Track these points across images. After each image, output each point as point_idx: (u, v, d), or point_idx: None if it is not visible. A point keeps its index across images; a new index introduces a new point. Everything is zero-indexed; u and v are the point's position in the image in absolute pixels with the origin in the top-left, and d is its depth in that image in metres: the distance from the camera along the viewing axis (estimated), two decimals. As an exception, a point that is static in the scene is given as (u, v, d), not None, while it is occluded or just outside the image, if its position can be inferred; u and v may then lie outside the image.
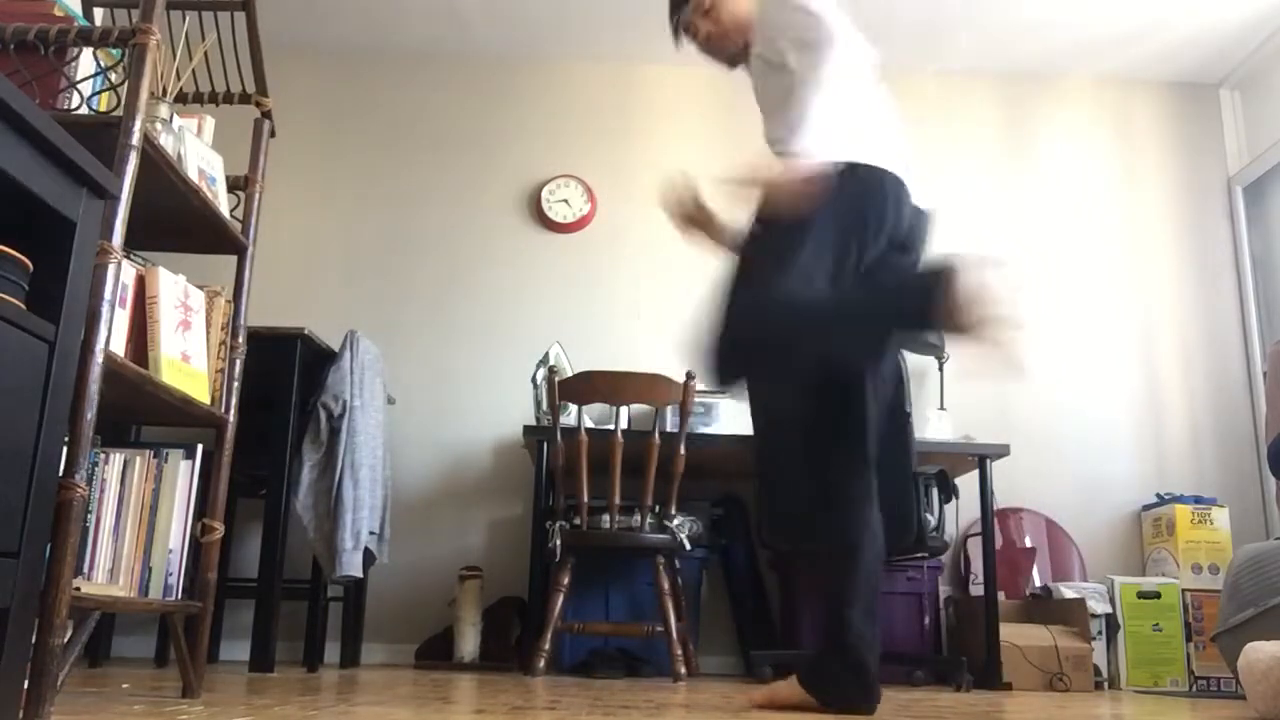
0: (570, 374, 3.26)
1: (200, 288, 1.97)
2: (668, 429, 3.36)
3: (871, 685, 1.85)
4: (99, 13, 2.18)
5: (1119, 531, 3.94)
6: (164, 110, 1.89)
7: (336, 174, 4.24)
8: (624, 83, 4.37)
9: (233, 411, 2.05)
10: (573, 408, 3.41)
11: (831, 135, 1.95)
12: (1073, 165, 4.31)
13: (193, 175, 1.96)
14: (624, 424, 3.08)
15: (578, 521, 3.00)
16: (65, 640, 1.40)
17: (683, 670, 2.91)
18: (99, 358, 1.47)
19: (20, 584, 1.24)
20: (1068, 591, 3.44)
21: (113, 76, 1.82)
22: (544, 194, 4.17)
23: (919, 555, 3.16)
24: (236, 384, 2.07)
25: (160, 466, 1.84)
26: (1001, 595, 3.50)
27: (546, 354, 3.61)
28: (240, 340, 2.10)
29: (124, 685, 2.14)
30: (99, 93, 1.79)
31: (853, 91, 2.03)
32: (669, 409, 3.27)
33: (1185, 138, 4.35)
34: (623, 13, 4.05)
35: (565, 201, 4.18)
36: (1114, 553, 3.91)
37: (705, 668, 3.69)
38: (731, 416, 3.58)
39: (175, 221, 1.98)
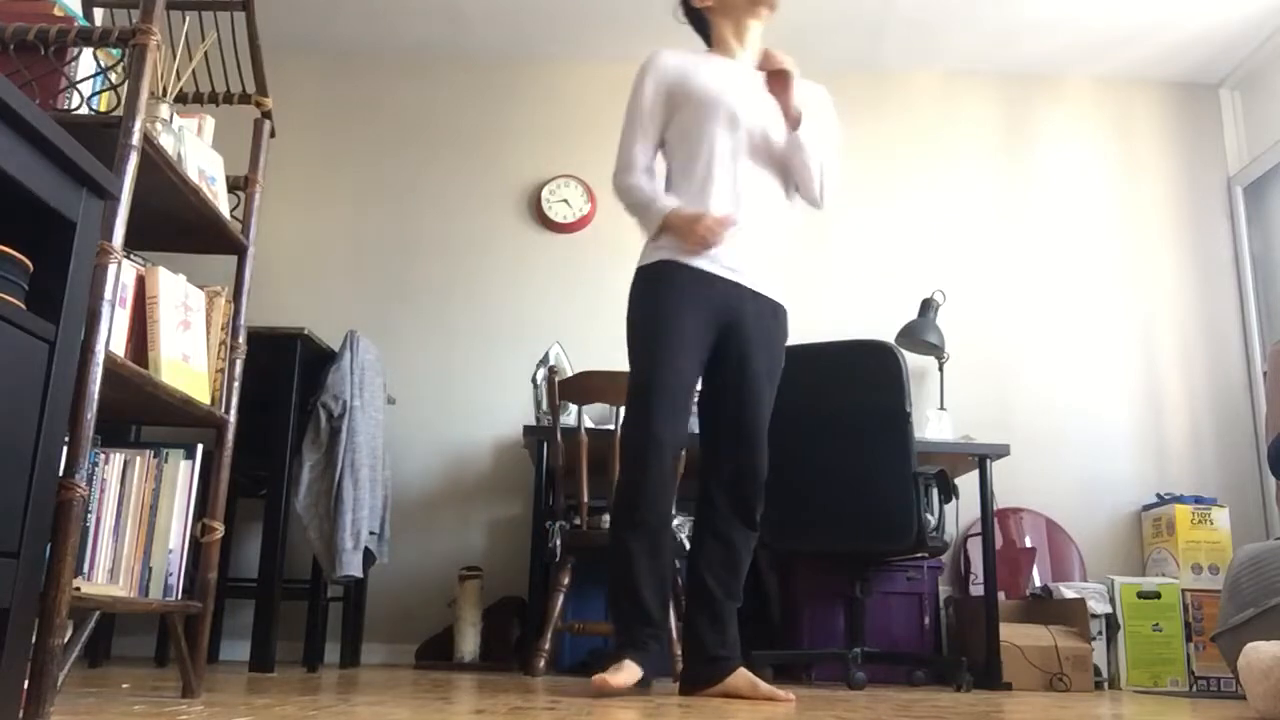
0: (570, 374, 3.26)
1: (200, 288, 1.97)
2: (668, 429, 3.36)
3: None
4: (99, 13, 2.17)
5: (1119, 531, 3.94)
6: (164, 110, 1.89)
7: (336, 174, 4.24)
8: (624, 83, 4.33)
9: (233, 411, 2.05)
10: (573, 408, 3.41)
11: None
12: (1073, 165, 4.31)
13: (193, 175, 1.96)
14: (624, 424, 3.07)
15: (578, 521, 3.00)
16: (65, 640, 1.40)
17: (683, 670, 2.90)
18: (99, 358, 1.47)
19: (20, 584, 1.24)
20: (1068, 591, 3.43)
21: (113, 76, 1.82)
22: (544, 194, 4.17)
23: (919, 555, 3.16)
24: (236, 384, 2.07)
25: (160, 466, 1.83)
26: (1001, 595, 3.50)
27: (546, 354, 3.61)
28: (240, 340, 2.10)
29: (124, 685, 2.14)
30: (99, 93, 1.79)
31: None
32: (669, 409, 3.26)
33: (1185, 138, 4.35)
34: (623, 13, 4.05)
35: (565, 201, 4.18)
36: (1114, 553, 3.91)
37: (705, 668, 3.68)
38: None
39: (175, 221, 1.97)
